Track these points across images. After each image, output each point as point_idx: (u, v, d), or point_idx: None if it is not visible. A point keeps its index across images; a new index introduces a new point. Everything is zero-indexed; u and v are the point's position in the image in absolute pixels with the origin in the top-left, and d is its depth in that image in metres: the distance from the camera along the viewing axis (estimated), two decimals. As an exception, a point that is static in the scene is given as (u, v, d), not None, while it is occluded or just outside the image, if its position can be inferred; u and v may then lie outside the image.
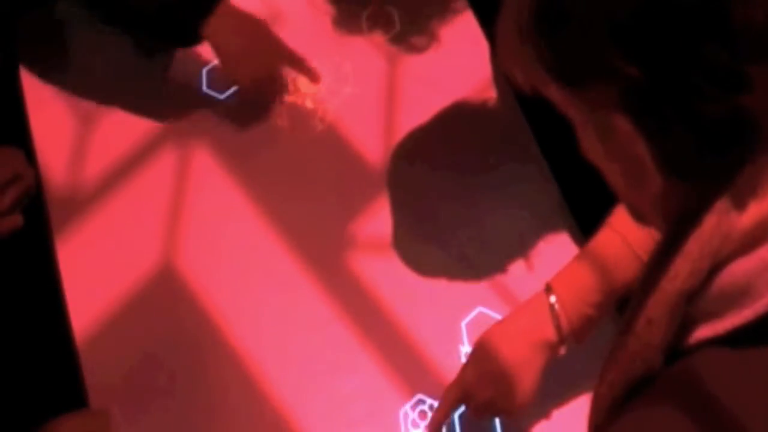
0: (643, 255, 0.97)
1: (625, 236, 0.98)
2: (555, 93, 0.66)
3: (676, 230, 0.64)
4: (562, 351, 0.99)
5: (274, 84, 1.33)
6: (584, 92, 0.63)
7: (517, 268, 1.18)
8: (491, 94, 1.32)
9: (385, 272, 1.20)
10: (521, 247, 1.19)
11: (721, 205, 0.61)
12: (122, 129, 1.30)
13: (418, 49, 1.35)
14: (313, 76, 1.33)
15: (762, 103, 0.58)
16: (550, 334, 0.98)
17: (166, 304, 1.20)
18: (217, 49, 1.26)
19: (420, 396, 1.11)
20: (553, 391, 1.10)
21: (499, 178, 1.25)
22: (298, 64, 1.32)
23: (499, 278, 1.18)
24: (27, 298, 1.28)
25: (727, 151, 0.60)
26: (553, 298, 0.98)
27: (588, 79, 0.62)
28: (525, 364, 0.98)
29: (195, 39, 1.25)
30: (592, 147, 0.68)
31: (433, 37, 1.36)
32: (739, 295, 0.62)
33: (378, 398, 1.12)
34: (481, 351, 1.00)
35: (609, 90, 0.61)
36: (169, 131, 1.31)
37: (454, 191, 1.25)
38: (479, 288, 1.18)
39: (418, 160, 1.28)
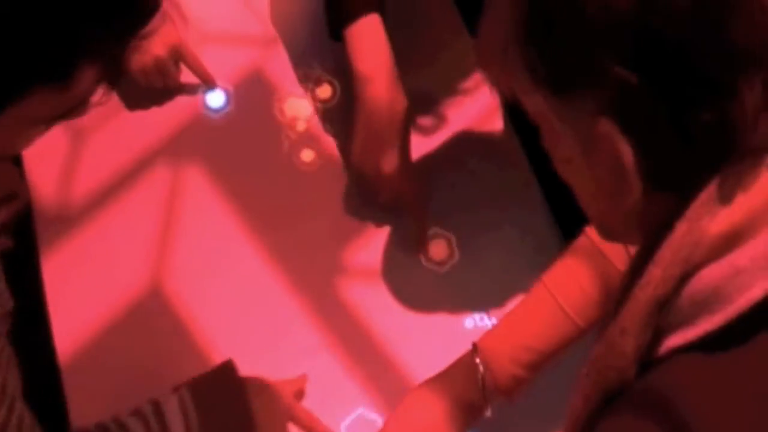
0: (575, 316, 0.99)
1: (557, 296, 0.99)
2: (537, 102, 0.66)
3: (651, 240, 0.65)
4: (488, 411, 1.00)
5: (161, 77, 1.29)
6: (571, 99, 0.63)
7: (510, 296, 1.17)
8: (489, 123, 1.32)
9: (376, 299, 1.20)
10: (515, 274, 1.19)
11: (693, 212, 0.62)
12: (112, 147, 1.30)
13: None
14: (208, 81, 1.32)
15: (743, 111, 0.59)
16: (473, 395, 1.00)
17: (152, 327, 1.19)
18: None
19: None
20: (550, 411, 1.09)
21: (496, 207, 1.25)
22: (193, 64, 1.31)
23: (493, 307, 1.18)
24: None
25: (708, 155, 0.61)
26: (477, 360, 1.00)
27: (578, 84, 0.62)
28: (447, 424, 1.00)
29: None
30: (567, 159, 0.68)
31: None
32: (710, 300, 0.62)
33: (370, 424, 1.11)
34: (407, 407, 1.02)
35: (597, 95, 0.61)
36: (159, 150, 1.31)
37: (447, 218, 1.24)
38: (472, 316, 1.18)
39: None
